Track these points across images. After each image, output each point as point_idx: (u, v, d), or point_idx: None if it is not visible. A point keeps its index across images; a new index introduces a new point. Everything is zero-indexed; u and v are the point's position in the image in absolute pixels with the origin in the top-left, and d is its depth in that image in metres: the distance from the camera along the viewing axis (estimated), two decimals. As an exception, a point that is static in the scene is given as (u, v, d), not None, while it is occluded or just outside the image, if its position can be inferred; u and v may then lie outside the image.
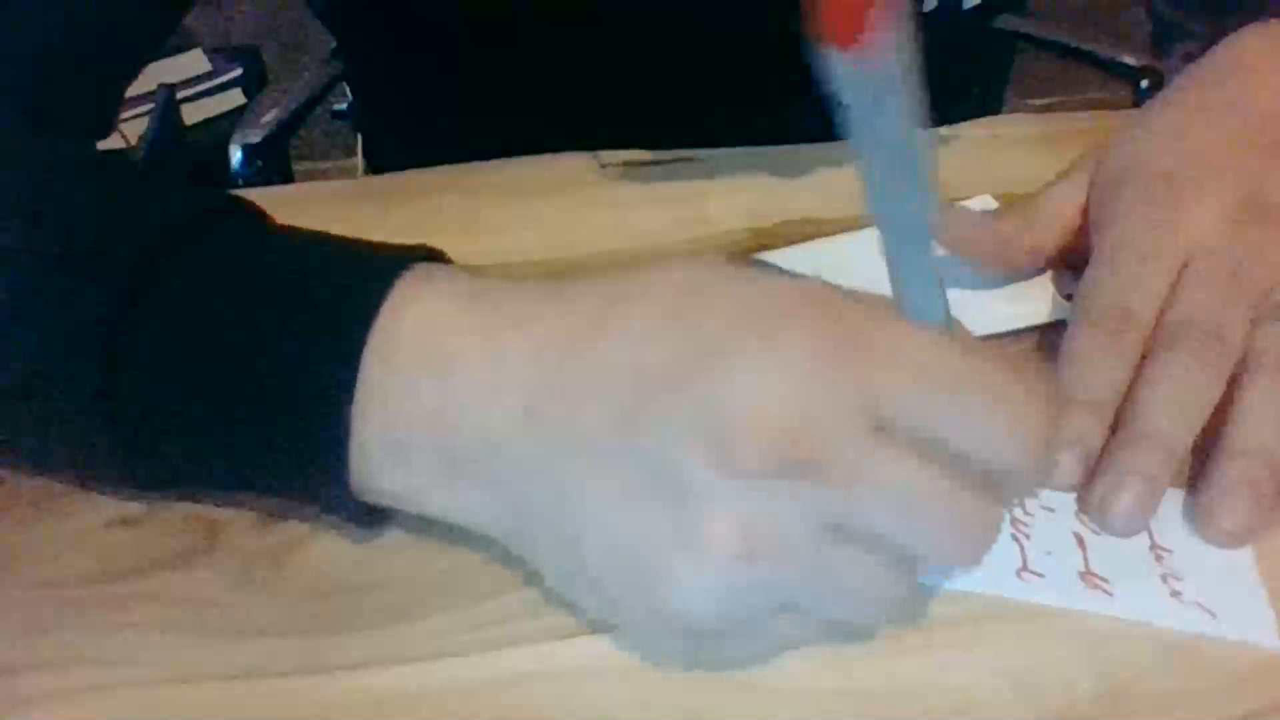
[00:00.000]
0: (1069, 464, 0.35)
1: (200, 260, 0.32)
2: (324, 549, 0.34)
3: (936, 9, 0.57)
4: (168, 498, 0.35)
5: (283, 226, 0.34)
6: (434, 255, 0.33)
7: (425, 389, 0.30)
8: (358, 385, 0.30)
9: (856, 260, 0.43)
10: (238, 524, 0.35)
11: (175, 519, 0.35)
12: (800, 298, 0.29)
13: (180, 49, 1.62)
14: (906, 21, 0.23)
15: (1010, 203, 0.45)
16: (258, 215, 0.35)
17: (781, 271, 0.30)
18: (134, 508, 0.35)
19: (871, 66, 0.23)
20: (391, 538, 0.34)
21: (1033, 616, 0.32)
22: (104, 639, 0.32)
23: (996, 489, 0.29)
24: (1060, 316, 0.43)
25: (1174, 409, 0.35)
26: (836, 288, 0.29)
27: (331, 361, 0.30)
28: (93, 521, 0.35)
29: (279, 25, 1.86)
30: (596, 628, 0.32)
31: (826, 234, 0.48)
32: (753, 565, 0.27)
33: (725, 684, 0.30)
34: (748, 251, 0.47)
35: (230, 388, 0.31)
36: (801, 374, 0.27)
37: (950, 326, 0.30)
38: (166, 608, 0.32)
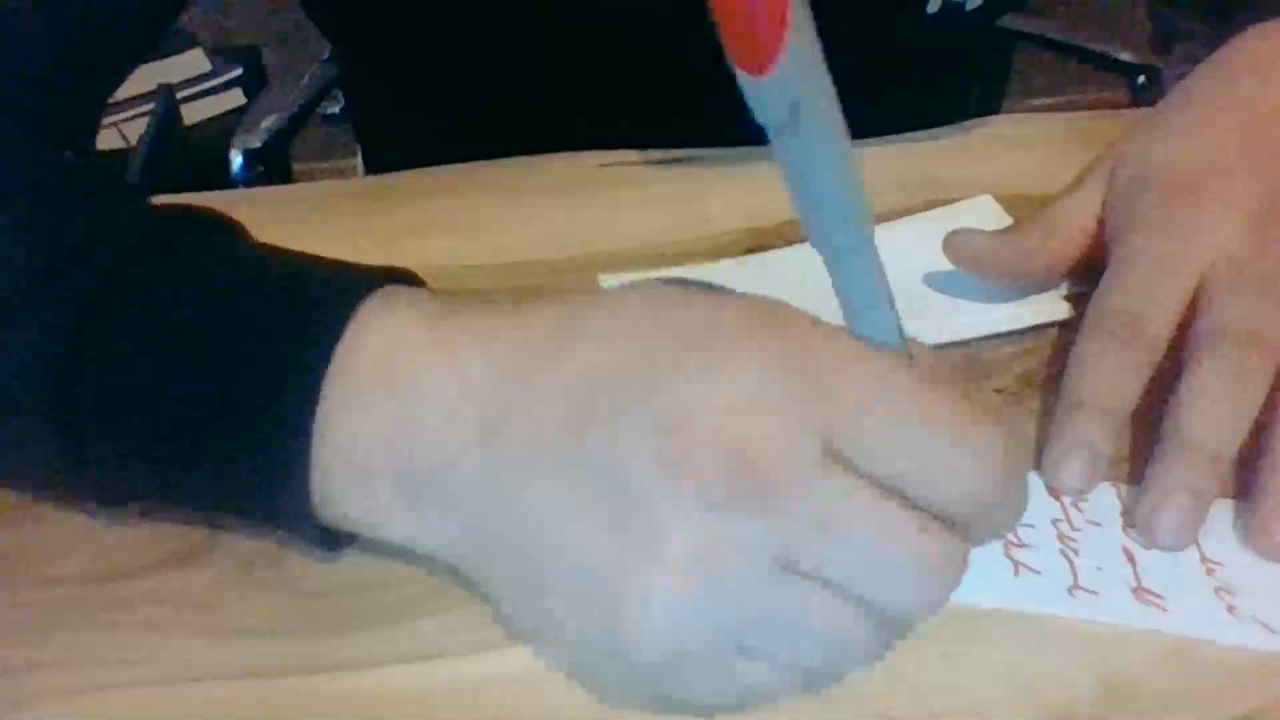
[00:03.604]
0: (1075, 469, 0.35)
1: (161, 280, 0.31)
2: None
3: (940, 11, 0.56)
4: (129, 513, 0.35)
5: (251, 242, 0.34)
6: (402, 276, 0.33)
7: (384, 411, 0.30)
8: (319, 410, 0.30)
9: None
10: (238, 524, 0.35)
11: (175, 519, 0.35)
12: (756, 318, 0.28)
13: (180, 49, 1.63)
14: (815, 42, 0.23)
15: (1024, 216, 0.44)
16: (226, 231, 0.34)
17: (742, 295, 0.29)
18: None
19: (781, 89, 0.23)
20: (391, 538, 0.34)
21: (1033, 616, 0.32)
22: (104, 639, 0.32)
23: (961, 528, 0.27)
24: (1060, 317, 0.43)
25: (1217, 418, 0.34)
26: (797, 311, 0.28)
27: (293, 387, 0.30)
28: (93, 521, 0.35)
29: (279, 25, 1.86)
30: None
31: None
32: (702, 590, 0.26)
33: (725, 684, 0.30)
34: (748, 251, 0.47)
35: (189, 411, 0.30)
36: (750, 395, 0.26)
37: (905, 348, 0.28)
38: (167, 608, 0.32)
